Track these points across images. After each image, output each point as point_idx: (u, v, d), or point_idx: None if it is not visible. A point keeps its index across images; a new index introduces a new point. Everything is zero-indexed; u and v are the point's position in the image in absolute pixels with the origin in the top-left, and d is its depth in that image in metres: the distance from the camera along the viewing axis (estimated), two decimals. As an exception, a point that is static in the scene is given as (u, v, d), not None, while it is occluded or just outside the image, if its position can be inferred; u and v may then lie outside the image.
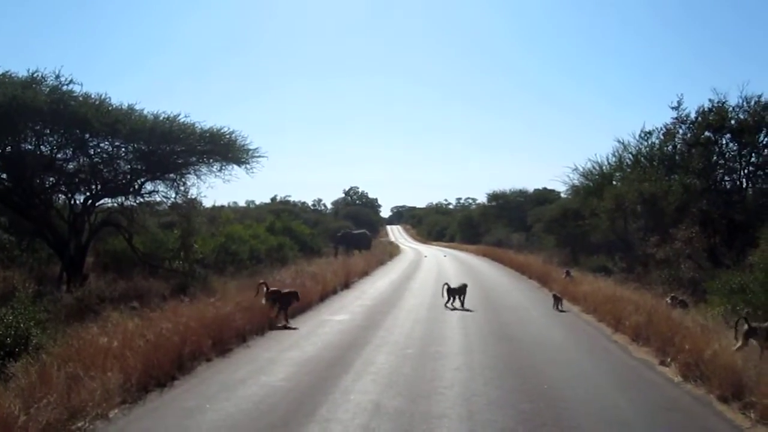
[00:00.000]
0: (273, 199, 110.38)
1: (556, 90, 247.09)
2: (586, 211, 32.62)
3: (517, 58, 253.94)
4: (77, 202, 22.06)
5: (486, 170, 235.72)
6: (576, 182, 37.16)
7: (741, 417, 8.26)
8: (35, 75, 19.00)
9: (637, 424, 8.00)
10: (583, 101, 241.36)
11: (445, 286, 20.19)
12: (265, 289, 16.28)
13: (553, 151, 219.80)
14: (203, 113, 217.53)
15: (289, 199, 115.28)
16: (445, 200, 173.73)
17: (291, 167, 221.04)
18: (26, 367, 8.43)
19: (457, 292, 20.01)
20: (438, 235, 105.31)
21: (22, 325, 10.18)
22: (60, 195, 22.89)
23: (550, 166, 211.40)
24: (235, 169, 23.01)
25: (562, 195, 48.12)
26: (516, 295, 23.51)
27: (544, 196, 62.02)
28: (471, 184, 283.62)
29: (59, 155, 20.94)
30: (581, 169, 36.15)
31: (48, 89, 18.81)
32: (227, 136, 22.02)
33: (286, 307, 15.99)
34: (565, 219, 38.27)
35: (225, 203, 69.64)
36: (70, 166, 21.58)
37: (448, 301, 19.70)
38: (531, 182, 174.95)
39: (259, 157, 23.07)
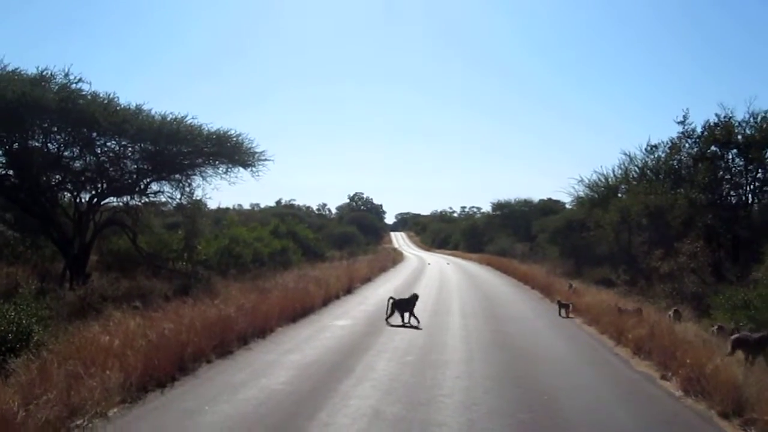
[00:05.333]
0: (278, 203, 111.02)
1: (563, 100, 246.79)
2: (591, 223, 32.64)
3: (524, 67, 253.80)
4: (83, 200, 22.14)
5: (491, 179, 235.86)
6: (581, 193, 37.29)
7: (741, 433, 8.22)
8: (44, 73, 19.09)
9: (637, 438, 7.95)
10: (590, 112, 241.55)
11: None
12: None
13: (558, 162, 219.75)
14: (209, 115, 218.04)
15: (293, 203, 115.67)
16: (450, 208, 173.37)
17: (296, 172, 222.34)
18: (27, 364, 8.46)
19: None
20: (442, 243, 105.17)
21: (24, 322, 10.17)
22: (66, 193, 22.93)
23: (556, 176, 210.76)
24: (241, 172, 23.17)
25: (567, 206, 48.27)
26: (518, 305, 23.44)
27: (549, 206, 62.01)
28: (476, 192, 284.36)
29: (66, 153, 21.03)
30: (587, 181, 36.26)
31: (57, 87, 18.89)
32: (234, 139, 22.09)
33: None
34: (570, 230, 38.34)
35: (230, 205, 69.97)
36: (77, 164, 21.67)
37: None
38: (536, 192, 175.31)
39: (266, 160, 23.17)
